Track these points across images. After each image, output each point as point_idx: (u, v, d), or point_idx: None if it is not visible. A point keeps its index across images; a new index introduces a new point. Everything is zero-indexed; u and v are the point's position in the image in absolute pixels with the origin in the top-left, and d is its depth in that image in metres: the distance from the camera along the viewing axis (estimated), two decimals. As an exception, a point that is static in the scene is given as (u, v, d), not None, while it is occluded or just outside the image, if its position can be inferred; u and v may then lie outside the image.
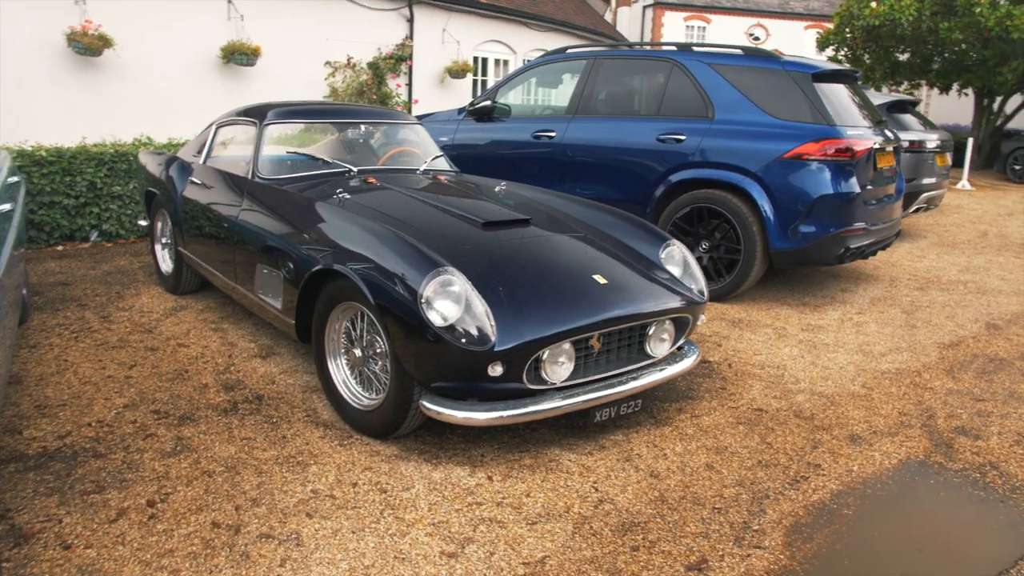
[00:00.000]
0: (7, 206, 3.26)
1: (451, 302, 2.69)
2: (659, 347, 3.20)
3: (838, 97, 5.33)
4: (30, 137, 6.82)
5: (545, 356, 2.78)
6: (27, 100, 7.92)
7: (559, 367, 2.83)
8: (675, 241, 3.61)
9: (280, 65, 10.07)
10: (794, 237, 4.95)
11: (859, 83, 6.15)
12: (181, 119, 8.45)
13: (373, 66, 11.34)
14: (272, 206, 3.74)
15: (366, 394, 3.14)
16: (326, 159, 4.26)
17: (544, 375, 2.81)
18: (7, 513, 2.47)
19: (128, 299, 4.96)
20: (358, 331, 3.10)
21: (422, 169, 4.48)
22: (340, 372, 3.23)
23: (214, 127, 4.81)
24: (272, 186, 3.93)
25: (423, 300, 2.67)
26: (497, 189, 4.20)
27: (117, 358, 3.89)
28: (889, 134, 5.72)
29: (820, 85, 5.19)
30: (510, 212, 3.60)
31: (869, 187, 5.18)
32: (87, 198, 6.45)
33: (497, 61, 14.62)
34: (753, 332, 4.65)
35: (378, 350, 3.00)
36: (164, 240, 5.19)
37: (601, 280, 3.09)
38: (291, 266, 3.34)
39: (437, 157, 4.69)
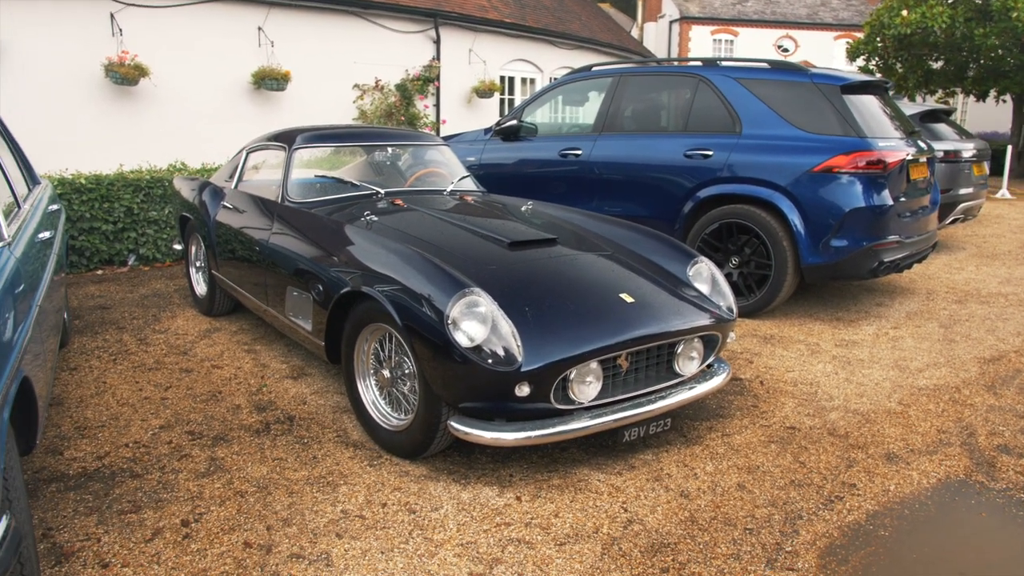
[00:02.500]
0: (47, 234, 3.37)
1: (477, 323, 2.71)
2: (688, 365, 3.17)
3: (868, 108, 5.26)
4: (70, 165, 7.05)
5: (572, 376, 2.78)
6: (67, 129, 8.19)
7: (587, 387, 2.83)
8: (703, 258, 3.59)
9: (309, 89, 10.28)
10: (826, 251, 4.88)
11: (890, 93, 6.06)
12: (214, 144, 8.65)
13: (401, 87, 11.51)
14: (301, 229, 3.80)
15: (395, 415, 3.16)
16: (354, 182, 4.32)
17: (572, 395, 2.81)
18: (49, 532, 2.54)
19: (164, 321, 5.07)
20: (386, 352, 3.13)
21: (449, 190, 4.52)
22: (369, 393, 3.26)
23: (245, 152, 4.92)
24: (301, 209, 4.00)
25: (449, 321, 2.69)
26: (523, 209, 4.22)
27: (153, 380, 3.98)
28: (922, 144, 5.62)
29: (849, 97, 5.13)
30: (536, 232, 3.61)
31: (902, 199, 5.10)
32: (125, 223, 6.63)
33: (524, 80, 14.73)
34: (785, 348, 4.58)
35: (406, 371, 3.03)
36: (198, 263, 5.30)
37: (628, 299, 3.08)
38: (320, 288, 3.38)
39: (464, 178, 4.72)
